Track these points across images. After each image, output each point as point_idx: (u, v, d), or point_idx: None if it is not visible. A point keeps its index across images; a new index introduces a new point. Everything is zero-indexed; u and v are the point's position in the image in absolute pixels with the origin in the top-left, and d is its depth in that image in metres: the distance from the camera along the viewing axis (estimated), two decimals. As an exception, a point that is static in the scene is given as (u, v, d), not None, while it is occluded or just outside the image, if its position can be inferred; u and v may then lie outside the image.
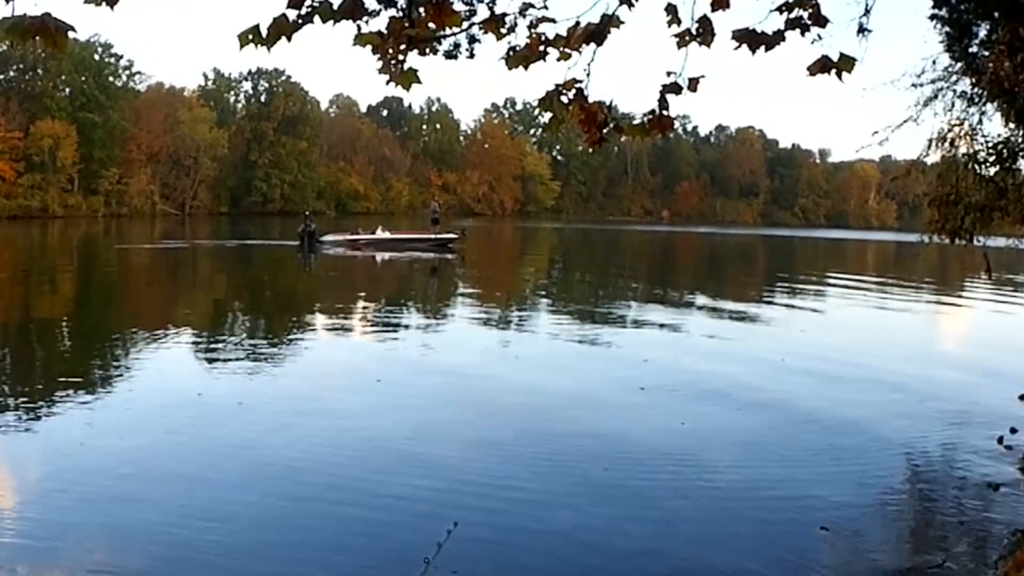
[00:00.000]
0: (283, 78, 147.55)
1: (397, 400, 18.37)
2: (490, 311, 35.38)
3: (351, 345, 26.29)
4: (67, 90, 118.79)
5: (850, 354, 26.11)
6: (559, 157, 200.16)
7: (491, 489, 12.80)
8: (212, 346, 24.62)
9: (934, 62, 16.81)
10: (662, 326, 31.44)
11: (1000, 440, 16.17)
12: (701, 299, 44.67)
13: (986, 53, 14.95)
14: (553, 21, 5.77)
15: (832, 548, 11.06)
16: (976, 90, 16.14)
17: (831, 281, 58.19)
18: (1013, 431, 16.57)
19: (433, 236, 69.72)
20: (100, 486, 12.28)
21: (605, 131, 6.06)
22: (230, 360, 22.19)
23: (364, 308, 35.38)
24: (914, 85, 17.20)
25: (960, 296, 50.02)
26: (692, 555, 10.91)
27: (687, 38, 5.87)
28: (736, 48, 5.76)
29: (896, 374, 23.11)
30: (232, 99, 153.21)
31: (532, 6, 5.91)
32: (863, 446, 15.92)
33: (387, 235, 69.20)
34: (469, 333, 28.93)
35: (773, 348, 26.79)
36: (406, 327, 30.28)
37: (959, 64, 16.13)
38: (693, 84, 5.90)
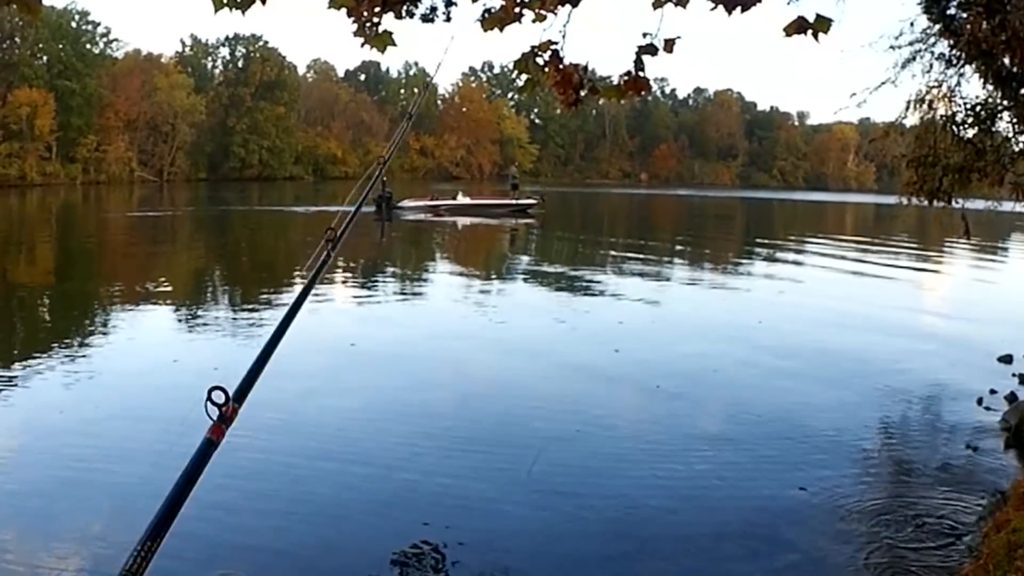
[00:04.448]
0: (260, 44, 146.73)
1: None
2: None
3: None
4: (44, 58, 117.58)
5: (828, 315, 26.19)
6: (537, 120, 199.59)
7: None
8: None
9: (912, 24, 16.75)
10: (642, 277, 31.52)
11: (980, 401, 16.24)
12: (679, 261, 44.80)
13: (964, 15, 14.93)
14: (528, -18, 5.73)
15: (809, 509, 11.09)
16: (954, 52, 16.08)
17: (810, 243, 58.29)
18: (992, 392, 16.65)
19: (513, 201, 70.32)
20: (78, 452, 12.25)
21: (581, 93, 6.03)
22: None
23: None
24: (892, 47, 17.13)
25: (939, 258, 50.16)
26: (667, 515, 10.94)
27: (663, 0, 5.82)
28: (712, 9, 5.72)
29: (874, 336, 23.20)
30: (209, 65, 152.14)
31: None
32: (841, 406, 15.98)
33: (467, 200, 69.92)
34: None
35: (751, 310, 26.87)
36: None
37: (937, 26, 16.09)
38: (669, 45, 5.86)
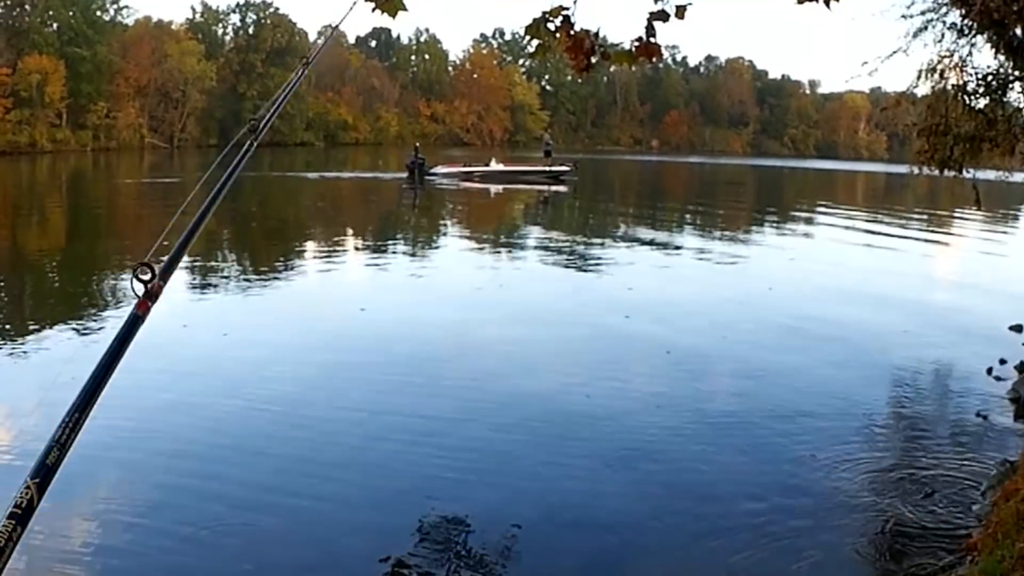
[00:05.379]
0: (271, 10, 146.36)
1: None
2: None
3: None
4: (55, 25, 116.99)
5: (838, 283, 26.17)
6: (548, 87, 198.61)
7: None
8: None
9: (924, -7, 16.73)
10: (651, 245, 31.52)
11: (989, 371, 16.23)
12: (691, 227, 44.76)
13: (976, -16, 14.87)
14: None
15: (818, 475, 11.13)
16: (966, 22, 16.03)
17: (821, 211, 58.25)
18: (1002, 362, 16.63)
19: (546, 168, 70.57)
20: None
21: (593, 59, 6.03)
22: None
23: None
24: (903, 16, 17.09)
25: (950, 228, 50.01)
26: (678, 479, 10.99)
27: (675, -35, 5.81)
28: (724, -25, 5.71)
29: (885, 305, 23.18)
30: (220, 32, 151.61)
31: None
32: (850, 375, 16.00)
33: (500, 167, 69.77)
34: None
35: (761, 276, 26.89)
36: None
37: (949, -5, 16.05)
38: (681, 11, 5.86)
